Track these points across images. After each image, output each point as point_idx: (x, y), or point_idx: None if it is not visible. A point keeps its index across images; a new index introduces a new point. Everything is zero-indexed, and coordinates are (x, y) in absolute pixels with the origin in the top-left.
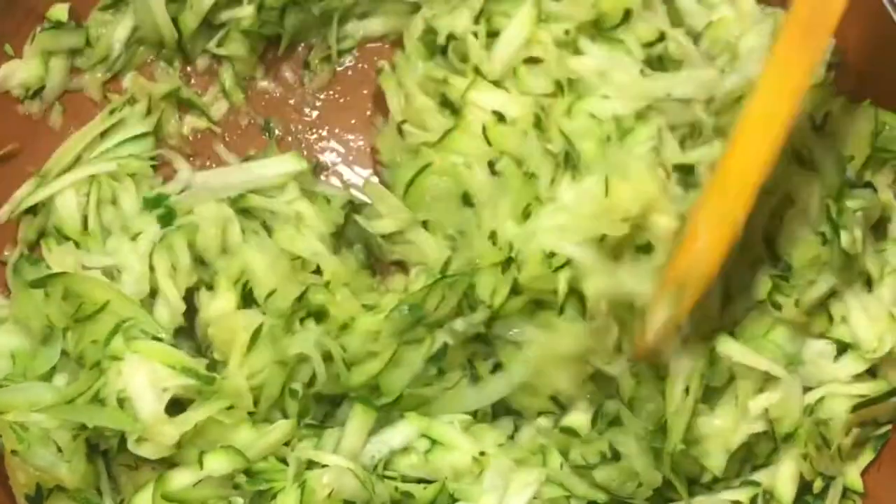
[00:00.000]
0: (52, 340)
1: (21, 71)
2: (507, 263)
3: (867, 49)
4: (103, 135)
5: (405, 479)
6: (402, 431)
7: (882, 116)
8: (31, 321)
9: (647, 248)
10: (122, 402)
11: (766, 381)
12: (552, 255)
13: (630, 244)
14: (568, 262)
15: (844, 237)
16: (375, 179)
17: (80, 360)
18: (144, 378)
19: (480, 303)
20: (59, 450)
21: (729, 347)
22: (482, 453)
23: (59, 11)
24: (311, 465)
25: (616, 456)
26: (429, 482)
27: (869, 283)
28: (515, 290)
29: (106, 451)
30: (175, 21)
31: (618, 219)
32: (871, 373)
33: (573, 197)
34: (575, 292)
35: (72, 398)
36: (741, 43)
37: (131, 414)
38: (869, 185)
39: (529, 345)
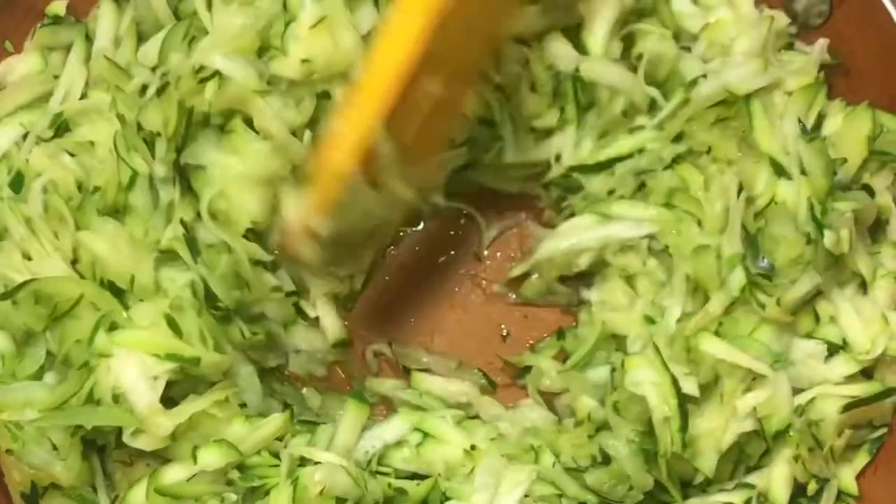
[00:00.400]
0: (34, 341)
1: (21, 66)
2: (164, 88)
3: (866, 50)
4: None
5: (398, 475)
6: (395, 426)
7: (880, 118)
8: (8, 328)
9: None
10: (116, 399)
11: (754, 379)
12: (202, 69)
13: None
14: (217, 76)
15: (829, 237)
16: None
17: (65, 362)
18: (134, 371)
19: (155, 135)
20: (55, 448)
21: (712, 345)
22: (473, 447)
23: (58, 7)
24: (303, 461)
25: (606, 459)
26: (421, 477)
27: (864, 286)
28: (193, 118)
29: (101, 448)
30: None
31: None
32: (867, 374)
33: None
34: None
35: (65, 399)
36: (734, 46)
37: (127, 409)
38: (866, 187)
39: (214, 167)
